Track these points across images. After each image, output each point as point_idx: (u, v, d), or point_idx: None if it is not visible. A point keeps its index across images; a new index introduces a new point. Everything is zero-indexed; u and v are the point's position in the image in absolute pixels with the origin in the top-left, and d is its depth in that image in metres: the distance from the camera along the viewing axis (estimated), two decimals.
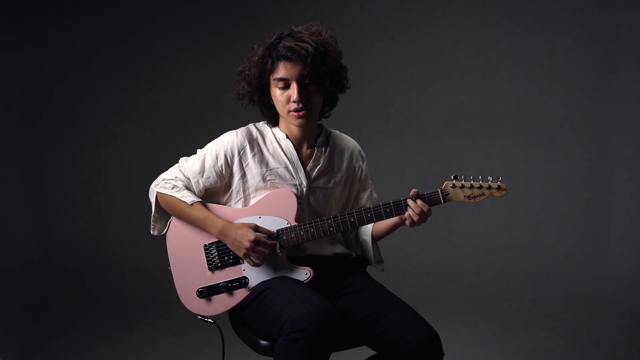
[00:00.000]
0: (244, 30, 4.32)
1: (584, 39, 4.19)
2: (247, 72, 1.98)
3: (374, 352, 1.96)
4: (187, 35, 4.33)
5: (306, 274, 1.95)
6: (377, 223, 2.06)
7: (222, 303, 2.00)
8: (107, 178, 4.36)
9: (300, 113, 1.92)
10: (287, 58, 1.90)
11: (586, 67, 4.21)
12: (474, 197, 1.91)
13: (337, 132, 2.14)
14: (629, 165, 4.17)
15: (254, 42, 2.00)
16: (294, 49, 1.89)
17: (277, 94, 1.93)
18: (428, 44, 4.28)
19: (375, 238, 2.09)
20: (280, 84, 1.92)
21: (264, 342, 1.91)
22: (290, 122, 1.97)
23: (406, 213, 1.89)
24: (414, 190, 1.90)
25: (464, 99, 4.29)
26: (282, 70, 1.91)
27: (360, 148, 2.15)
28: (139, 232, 4.23)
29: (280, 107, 1.95)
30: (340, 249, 2.10)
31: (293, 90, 1.91)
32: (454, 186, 1.90)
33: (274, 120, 2.05)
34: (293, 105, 1.92)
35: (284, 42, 1.91)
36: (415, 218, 1.88)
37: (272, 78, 1.93)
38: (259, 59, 1.93)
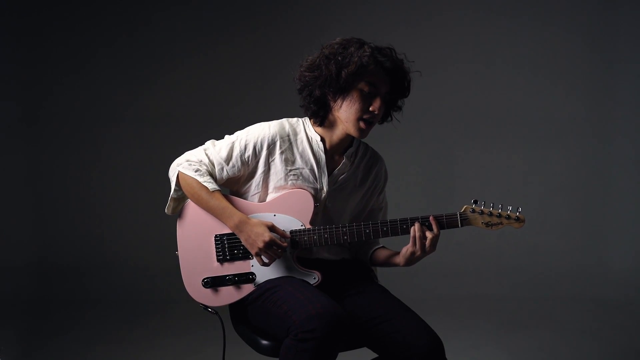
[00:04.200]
0: (243, 30, 4.33)
1: (584, 39, 4.18)
2: (340, 59, 1.89)
3: (375, 355, 1.96)
4: (186, 34, 4.32)
5: (314, 278, 1.95)
6: (376, 252, 2.07)
7: (227, 295, 1.99)
8: (107, 178, 4.36)
9: (369, 125, 1.94)
10: (390, 72, 1.92)
11: (587, 67, 4.21)
12: (492, 224, 1.91)
13: (368, 145, 2.13)
14: (629, 165, 4.17)
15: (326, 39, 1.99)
16: (399, 69, 1.93)
17: (358, 97, 1.91)
18: (427, 43, 4.28)
19: (373, 263, 2.10)
20: (367, 90, 1.91)
21: (265, 342, 1.90)
22: (350, 129, 1.95)
23: (416, 234, 1.87)
24: (432, 215, 1.89)
25: (463, 98, 4.29)
26: (379, 80, 1.91)
27: (386, 167, 2.15)
28: (139, 232, 4.26)
29: (353, 110, 1.92)
30: (347, 254, 2.10)
31: (377, 101, 1.92)
32: (473, 211, 1.90)
33: (319, 120, 2.00)
34: (368, 115, 1.92)
35: (387, 58, 1.92)
36: (424, 240, 1.87)
37: (364, 79, 1.90)
38: (365, 58, 1.88)
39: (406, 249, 1.92)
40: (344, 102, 1.93)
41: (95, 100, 4.33)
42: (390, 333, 1.85)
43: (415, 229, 1.88)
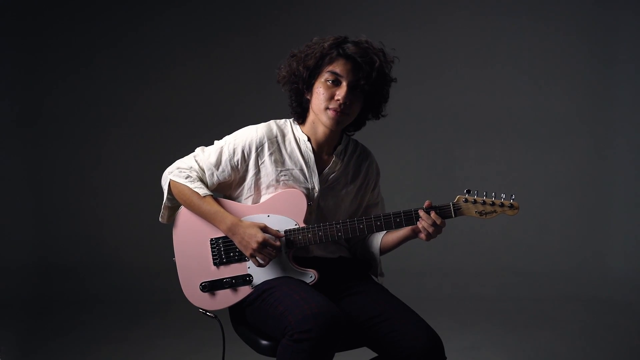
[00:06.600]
0: (242, 30, 4.33)
1: (584, 39, 4.18)
2: (303, 56, 1.95)
3: (374, 354, 1.96)
4: (186, 36, 4.32)
5: (311, 276, 1.95)
6: (386, 235, 2.05)
7: (225, 299, 1.99)
8: (107, 178, 4.36)
9: (338, 114, 1.92)
10: (351, 58, 1.90)
11: (587, 67, 4.21)
12: (486, 213, 1.89)
13: (358, 142, 2.13)
14: (629, 165, 4.17)
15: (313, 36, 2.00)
16: (363, 54, 1.90)
17: (322, 88, 1.92)
18: (428, 43, 4.28)
19: (383, 251, 2.08)
20: (331, 79, 1.91)
21: (265, 342, 1.90)
22: (322, 120, 1.95)
23: (419, 225, 1.88)
24: (427, 201, 1.90)
25: (463, 99, 4.28)
26: (341, 67, 1.91)
27: (377, 162, 2.14)
28: (139, 232, 4.26)
29: (320, 101, 1.93)
30: (345, 253, 2.10)
31: (342, 90, 1.90)
32: (466, 200, 1.89)
33: (301, 118, 2.03)
34: (334, 104, 1.91)
35: (352, 43, 1.92)
36: (430, 230, 1.88)
37: (325, 70, 1.92)
38: (324, 49, 1.91)
39: (416, 235, 1.95)
40: (313, 95, 1.95)
41: (96, 100, 4.33)
42: (389, 332, 1.85)
43: (424, 226, 1.88)
